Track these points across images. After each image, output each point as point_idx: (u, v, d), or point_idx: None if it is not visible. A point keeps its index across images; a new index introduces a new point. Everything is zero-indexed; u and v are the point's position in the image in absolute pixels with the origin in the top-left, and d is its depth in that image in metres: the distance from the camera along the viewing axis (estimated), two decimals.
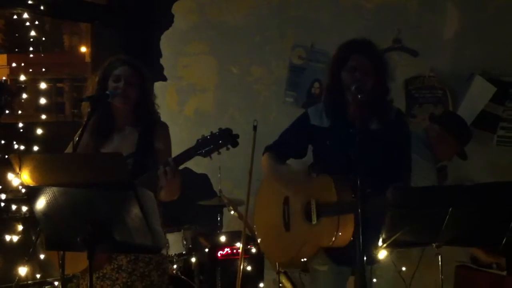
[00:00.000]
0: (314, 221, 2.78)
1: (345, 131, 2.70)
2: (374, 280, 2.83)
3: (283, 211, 2.95)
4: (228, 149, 2.58)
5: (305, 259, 2.90)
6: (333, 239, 2.69)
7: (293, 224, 2.91)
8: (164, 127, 2.94)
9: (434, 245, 2.59)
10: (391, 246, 2.57)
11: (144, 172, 2.64)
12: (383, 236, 2.48)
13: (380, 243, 2.52)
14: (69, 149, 2.94)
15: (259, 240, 3.23)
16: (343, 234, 2.67)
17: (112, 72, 2.85)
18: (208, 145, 2.55)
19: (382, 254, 2.74)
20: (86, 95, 2.88)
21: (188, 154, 2.60)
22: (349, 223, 2.65)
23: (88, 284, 2.75)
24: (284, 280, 4.09)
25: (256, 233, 3.26)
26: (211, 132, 2.56)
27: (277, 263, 3.92)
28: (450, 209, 2.44)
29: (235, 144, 2.57)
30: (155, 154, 2.83)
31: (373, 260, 2.72)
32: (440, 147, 3.64)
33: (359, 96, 2.60)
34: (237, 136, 2.57)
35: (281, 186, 2.96)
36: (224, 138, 2.54)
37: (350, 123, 2.75)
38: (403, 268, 3.38)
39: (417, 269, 2.93)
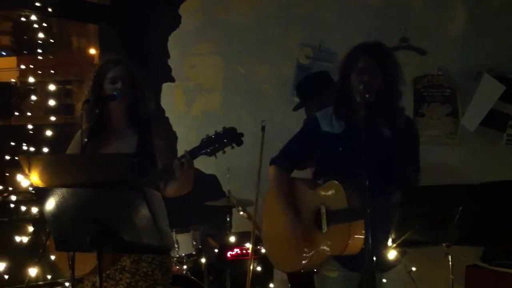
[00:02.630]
0: (325, 229, 2.71)
1: (356, 135, 2.68)
2: (384, 280, 2.81)
3: None
4: (233, 147, 2.59)
5: (315, 269, 2.88)
6: (346, 247, 2.62)
7: (304, 233, 2.83)
8: (162, 124, 2.93)
9: (444, 244, 2.58)
10: (401, 246, 2.56)
11: (144, 173, 2.65)
12: (393, 236, 2.46)
13: (389, 243, 2.51)
14: (70, 150, 2.95)
15: (266, 249, 3.16)
16: (356, 242, 2.61)
17: (106, 75, 2.85)
18: (213, 144, 2.57)
19: (391, 254, 2.72)
20: (84, 99, 2.84)
21: (193, 154, 2.61)
22: (360, 230, 2.58)
23: (95, 283, 2.79)
24: None
25: (263, 242, 3.19)
26: (216, 132, 2.58)
27: None
28: (460, 208, 2.43)
29: (239, 143, 2.58)
30: (155, 153, 2.84)
31: (385, 266, 2.69)
32: None
33: (367, 96, 2.58)
34: (241, 134, 2.59)
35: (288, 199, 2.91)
36: (229, 137, 2.56)
37: (359, 126, 2.71)
38: (413, 268, 3.37)
39: (427, 269, 2.90)
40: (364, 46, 2.81)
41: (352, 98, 2.72)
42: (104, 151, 2.83)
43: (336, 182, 2.68)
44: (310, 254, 2.79)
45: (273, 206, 3.00)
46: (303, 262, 2.82)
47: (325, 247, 2.74)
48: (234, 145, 2.57)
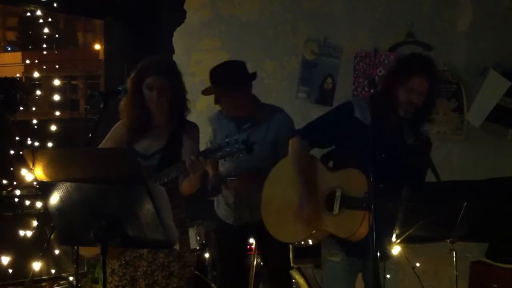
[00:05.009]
0: (336, 211, 2.78)
1: (384, 135, 2.75)
2: (388, 276, 2.81)
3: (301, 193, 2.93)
4: (241, 155, 2.68)
5: (310, 243, 2.96)
6: (354, 233, 2.71)
7: (313, 210, 2.89)
8: (194, 127, 3.03)
9: (448, 240, 2.57)
10: (405, 241, 2.56)
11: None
12: (397, 231, 2.46)
13: (393, 238, 2.51)
14: (105, 141, 3.03)
15: (265, 216, 3.17)
16: (363, 230, 2.68)
17: (145, 79, 2.92)
18: (226, 148, 2.65)
19: (395, 249, 2.72)
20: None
21: (205, 154, 2.69)
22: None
23: (114, 270, 2.90)
24: (297, 276, 4.08)
25: (261, 205, 3.19)
26: (234, 138, 2.66)
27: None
28: (465, 204, 2.42)
29: (250, 151, 2.67)
30: (182, 151, 2.91)
31: (385, 255, 2.72)
32: None
33: (371, 90, 2.69)
34: (253, 143, 2.68)
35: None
36: (242, 145, 2.64)
37: (389, 129, 2.83)
38: (417, 264, 3.36)
39: (432, 265, 2.91)
40: (418, 62, 2.86)
41: (393, 107, 2.80)
42: (138, 146, 2.94)
43: (359, 171, 2.72)
44: (313, 231, 2.86)
45: (285, 174, 3.03)
46: (304, 236, 2.90)
47: (331, 228, 2.81)
48: (243, 153, 2.66)
